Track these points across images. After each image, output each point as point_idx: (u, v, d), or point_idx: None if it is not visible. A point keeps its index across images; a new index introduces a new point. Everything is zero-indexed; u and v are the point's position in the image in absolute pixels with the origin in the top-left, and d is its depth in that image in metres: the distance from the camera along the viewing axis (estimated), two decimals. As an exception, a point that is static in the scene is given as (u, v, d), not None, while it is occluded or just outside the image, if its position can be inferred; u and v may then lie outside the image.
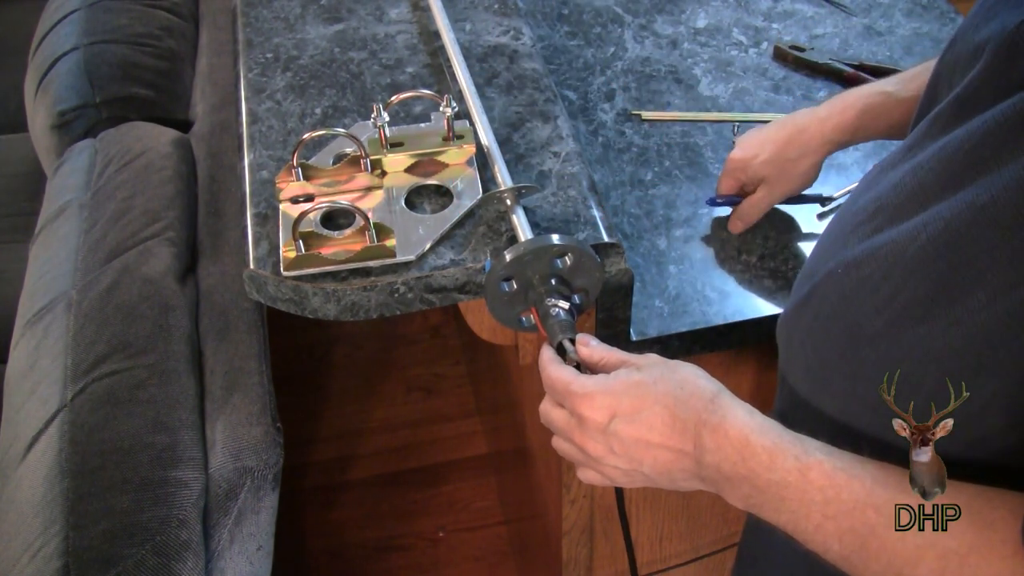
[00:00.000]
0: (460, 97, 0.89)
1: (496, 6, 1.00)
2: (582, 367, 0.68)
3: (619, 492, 0.80)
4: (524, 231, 0.75)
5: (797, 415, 0.67)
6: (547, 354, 0.69)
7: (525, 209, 0.79)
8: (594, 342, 0.70)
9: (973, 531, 0.51)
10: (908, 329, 0.55)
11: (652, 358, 0.67)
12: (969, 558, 0.51)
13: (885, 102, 0.84)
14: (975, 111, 0.56)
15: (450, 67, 0.91)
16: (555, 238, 0.71)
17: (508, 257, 0.70)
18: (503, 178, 0.79)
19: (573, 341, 0.69)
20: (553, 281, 0.72)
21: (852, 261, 0.61)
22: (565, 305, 0.71)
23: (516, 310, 0.74)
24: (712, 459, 0.60)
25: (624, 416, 0.62)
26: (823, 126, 0.87)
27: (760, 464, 0.58)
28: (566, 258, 0.72)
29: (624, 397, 0.62)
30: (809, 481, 0.56)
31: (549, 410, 0.68)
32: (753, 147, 0.91)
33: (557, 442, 0.68)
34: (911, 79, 0.84)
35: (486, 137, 0.83)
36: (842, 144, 0.88)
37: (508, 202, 0.78)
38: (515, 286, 0.72)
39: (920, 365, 0.54)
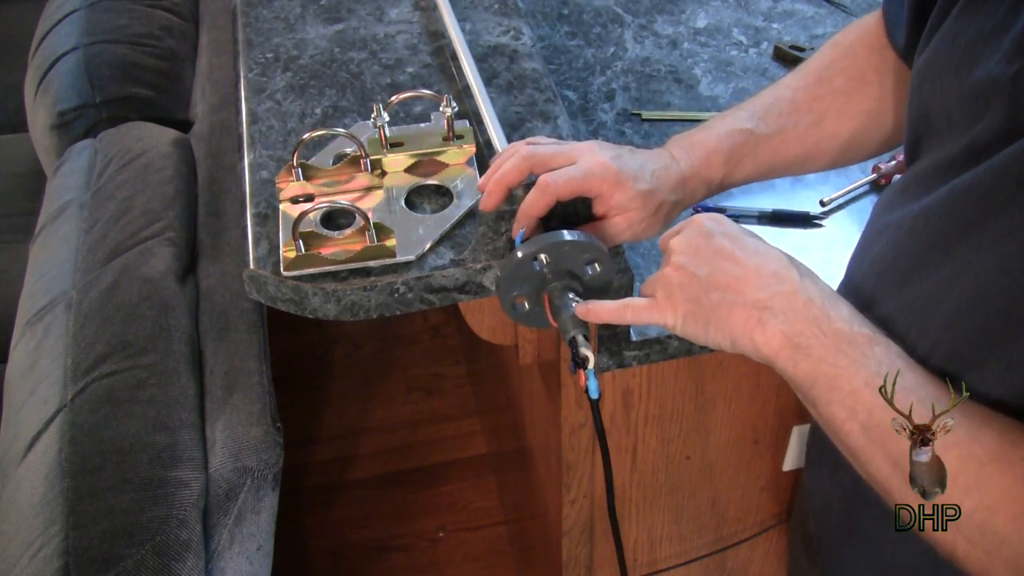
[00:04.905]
0: (466, 94, 0.89)
1: (496, 6, 1.00)
2: (591, 355, 0.69)
3: (610, 496, 0.80)
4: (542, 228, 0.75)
5: None
6: (610, 305, 0.69)
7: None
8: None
9: (997, 443, 0.53)
10: (962, 376, 0.56)
11: None
12: (987, 467, 0.53)
13: (749, 140, 0.77)
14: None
15: (457, 63, 0.91)
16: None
17: (568, 237, 0.71)
18: None
19: (587, 337, 0.70)
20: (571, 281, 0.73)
21: (887, 316, 0.63)
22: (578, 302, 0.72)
23: (523, 288, 0.74)
24: (804, 286, 0.61)
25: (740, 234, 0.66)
26: (695, 178, 0.76)
27: (839, 315, 0.60)
28: (596, 265, 0.72)
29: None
30: (873, 352, 0.58)
31: (672, 241, 0.67)
32: (632, 171, 0.73)
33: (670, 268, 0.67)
34: (766, 113, 0.78)
35: (495, 133, 0.82)
36: (709, 195, 0.79)
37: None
38: (543, 267, 0.72)
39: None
